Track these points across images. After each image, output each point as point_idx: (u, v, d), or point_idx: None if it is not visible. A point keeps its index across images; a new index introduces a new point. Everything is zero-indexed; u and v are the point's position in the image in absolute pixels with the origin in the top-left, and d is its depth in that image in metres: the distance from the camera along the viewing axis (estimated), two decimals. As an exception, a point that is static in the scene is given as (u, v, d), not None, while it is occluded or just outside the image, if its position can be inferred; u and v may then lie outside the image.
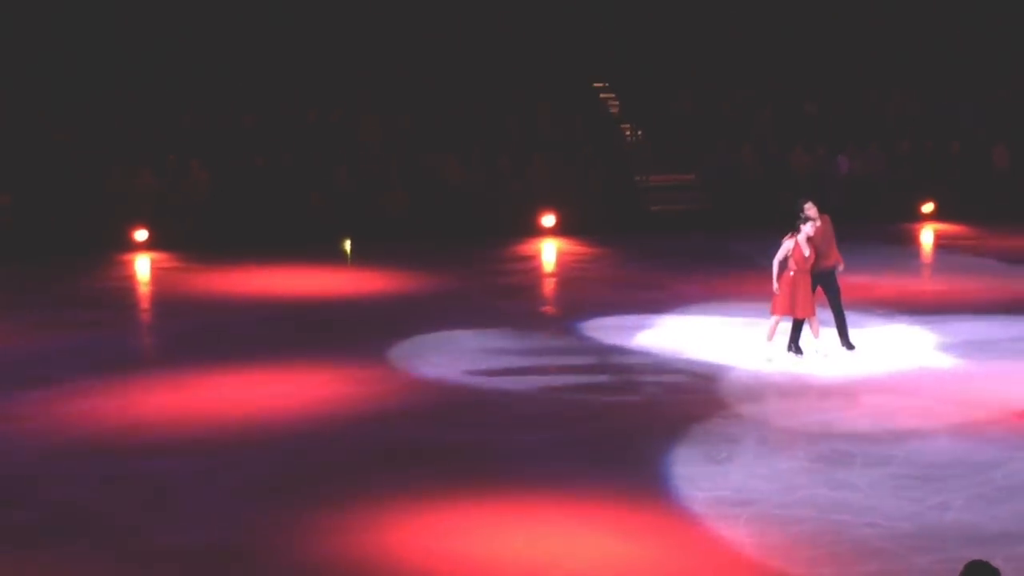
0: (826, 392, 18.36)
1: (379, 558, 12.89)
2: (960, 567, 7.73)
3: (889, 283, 25.33)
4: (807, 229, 19.16)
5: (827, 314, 20.06)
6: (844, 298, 20.18)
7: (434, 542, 13.21)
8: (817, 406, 17.69)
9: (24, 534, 13.67)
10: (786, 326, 19.61)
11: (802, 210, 19.28)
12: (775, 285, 19.32)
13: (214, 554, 13.06)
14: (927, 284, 27.34)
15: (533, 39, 38.43)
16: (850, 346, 19.96)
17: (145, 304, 26.95)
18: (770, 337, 19.54)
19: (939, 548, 12.72)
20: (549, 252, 30.83)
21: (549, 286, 27.98)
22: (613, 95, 38.95)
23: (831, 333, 20.01)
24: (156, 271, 29.18)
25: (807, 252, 19.17)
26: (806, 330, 19.60)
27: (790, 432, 16.56)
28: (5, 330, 22.84)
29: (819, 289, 19.72)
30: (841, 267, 20.07)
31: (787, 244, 19.22)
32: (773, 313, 19.45)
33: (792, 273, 19.19)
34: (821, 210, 19.49)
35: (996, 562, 7.79)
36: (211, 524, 13.81)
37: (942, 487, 14.37)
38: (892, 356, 20.02)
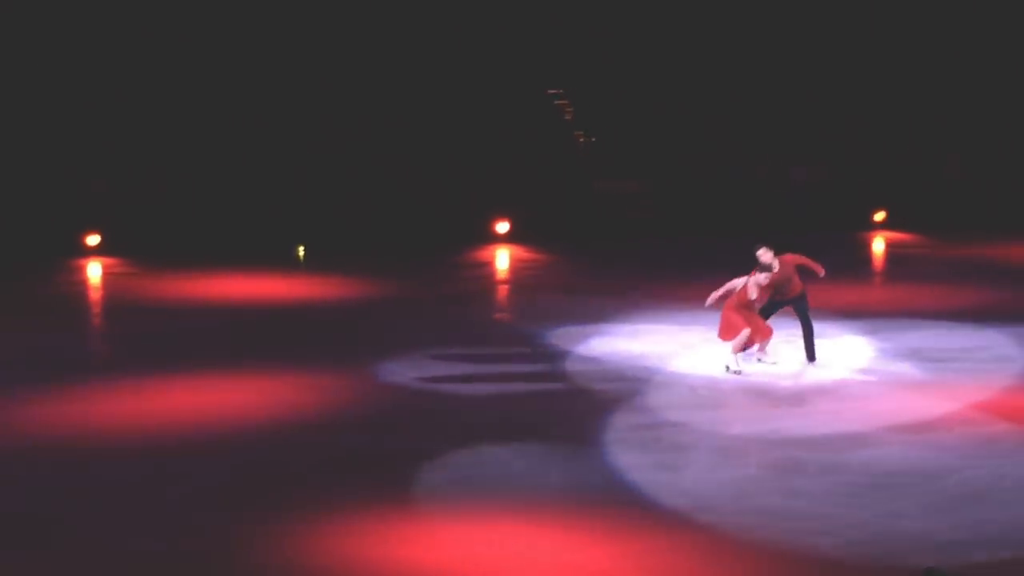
0: (779, 400, 18.41)
1: (339, 565, 12.89)
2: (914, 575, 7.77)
3: (842, 291, 25.38)
4: (760, 279, 19.28)
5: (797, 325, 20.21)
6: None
7: (393, 550, 13.19)
8: (770, 414, 17.73)
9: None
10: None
11: (757, 257, 19.40)
12: (710, 300, 19.55)
13: (168, 560, 13.01)
14: (878, 292, 27.46)
15: (488, 45, 38.41)
16: (813, 358, 20.03)
17: (97, 309, 26.83)
18: (737, 349, 19.55)
19: (892, 555, 12.76)
20: (502, 259, 30.81)
21: (502, 293, 27.97)
22: (567, 102, 38.97)
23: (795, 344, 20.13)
24: (108, 276, 29.04)
25: (753, 295, 19.33)
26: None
27: (743, 439, 16.59)
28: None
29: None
30: (821, 273, 20.16)
31: (736, 282, 19.37)
32: (727, 339, 19.49)
33: (735, 305, 19.36)
34: (778, 252, 19.59)
35: (950, 570, 7.82)
36: (165, 530, 13.76)
37: (895, 495, 14.42)
38: (844, 364, 20.07)
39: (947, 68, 38.66)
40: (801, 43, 39.24)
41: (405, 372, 19.79)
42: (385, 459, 15.98)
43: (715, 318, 19.86)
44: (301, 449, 16.40)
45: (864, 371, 19.79)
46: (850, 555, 12.85)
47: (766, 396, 18.57)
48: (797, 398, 18.46)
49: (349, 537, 13.51)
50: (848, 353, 20.73)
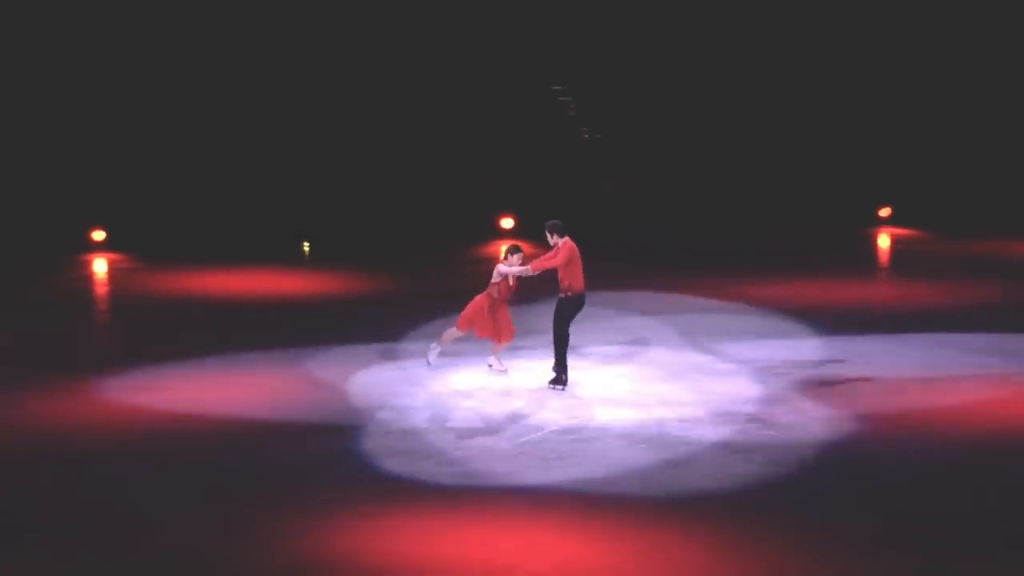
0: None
1: (340, 560, 12.97)
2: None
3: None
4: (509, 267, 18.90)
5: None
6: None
7: (393, 546, 13.26)
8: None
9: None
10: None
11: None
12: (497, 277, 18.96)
13: (175, 558, 13.10)
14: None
15: (494, 40, 38.41)
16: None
17: (102, 305, 26.89)
18: (444, 342, 19.39)
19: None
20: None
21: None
22: (570, 98, 39.00)
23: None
24: (113, 272, 29.10)
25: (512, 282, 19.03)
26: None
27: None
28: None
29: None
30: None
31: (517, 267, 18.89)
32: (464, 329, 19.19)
33: (495, 297, 19.02)
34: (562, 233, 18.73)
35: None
36: (167, 527, 13.84)
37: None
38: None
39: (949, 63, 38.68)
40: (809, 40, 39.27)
41: (407, 366, 19.83)
42: (389, 455, 16.06)
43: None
44: (305, 445, 16.47)
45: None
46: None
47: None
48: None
49: (353, 533, 13.59)
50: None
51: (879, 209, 33.90)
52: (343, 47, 36.78)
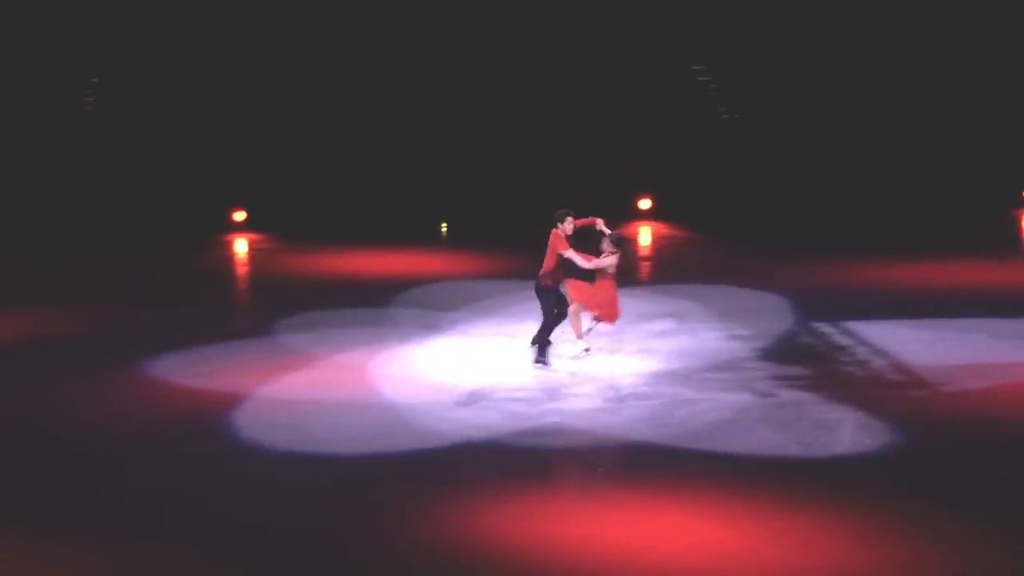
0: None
1: (478, 539, 12.98)
2: None
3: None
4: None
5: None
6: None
7: (531, 526, 13.25)
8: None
9: (111, 517, 13.77)
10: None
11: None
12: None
13: (304, 541, 13.16)
14: None
15: (632, 19, 38.28)
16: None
17: (243, 285, 27.20)
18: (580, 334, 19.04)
19: None
20: (645, 236, 30.76)
21: (643, 270, 27.89)
22: (710, 78, 38.76)
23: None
24: (254, 252, 29.41)
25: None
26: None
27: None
28: (104, 311, 23.09)
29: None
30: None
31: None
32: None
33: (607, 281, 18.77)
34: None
35: None
36: (303, 511, 13.93)
37: None
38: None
39: None
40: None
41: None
42: (532, 434, 16.08)
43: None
44: (435, 423, 16.50)
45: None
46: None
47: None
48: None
49: (489, 515, 13.60)
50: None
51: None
52: (483, 27, 36.83)
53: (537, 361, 18.85)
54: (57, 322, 22.25)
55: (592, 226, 19.08)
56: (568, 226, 18.81)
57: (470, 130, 35.46)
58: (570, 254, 18.64)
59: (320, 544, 12.98)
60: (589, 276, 18.73)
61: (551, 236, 18.77)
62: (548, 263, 18.77)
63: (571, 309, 18.73)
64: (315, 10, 36.60)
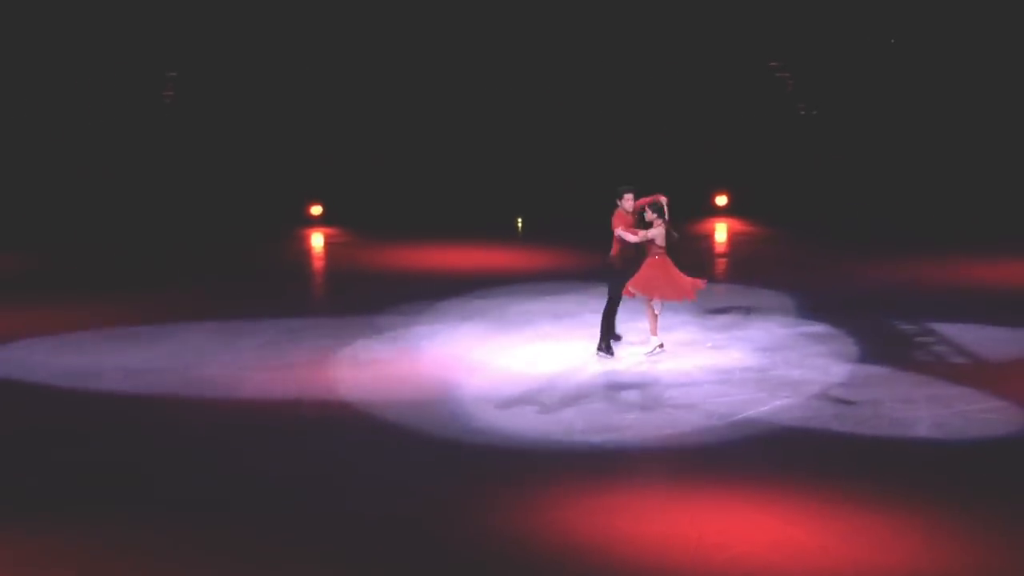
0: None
1: (555, 534, 13.05)
2: None
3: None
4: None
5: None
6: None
7: (605, 522, 13.30)
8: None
9: (199, 503, 14.01)
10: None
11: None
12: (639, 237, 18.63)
13: (385, 524, 13.32)
14: None
15: (709, 17, 38.19)
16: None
17: (319, 279, 27.37)
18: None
19: None
20: (721, 232, 30.69)
21: (721, 266, 27.82)
22: (788, 74, 38.59)
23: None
24: (329, 246, 29.57)
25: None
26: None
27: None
28: (182, 302, 23.30)
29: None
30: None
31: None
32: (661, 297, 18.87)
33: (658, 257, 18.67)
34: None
35: None
36: (382, 497, 14.07)
37: None
38: None
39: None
40: None
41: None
42: (608, 431, 16.10)
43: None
44: (516, 420, 16.55)
45: None
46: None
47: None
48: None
49: (566, 509, 13.66)
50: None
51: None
52: (563, 27, 36.86)
53: (600, 350, 18.86)
54: (147, 311, 22.47)
55: (656, 203, 18.88)
56: (628, 203, 18.73)
57: (550, 127, 35.46)
58: (620, 231, 18.57)
59: (403, 532, 13.16)
60: (640, 258, 18.63)
61: (613, 216, 18.73)
62: (615, 244, 18.74)
63: (646, 306, 18.73)
64: (397, 8, 36.72)
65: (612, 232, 18.80)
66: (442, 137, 35.30)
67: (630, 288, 18.59)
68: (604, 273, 19.12)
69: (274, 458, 15.32)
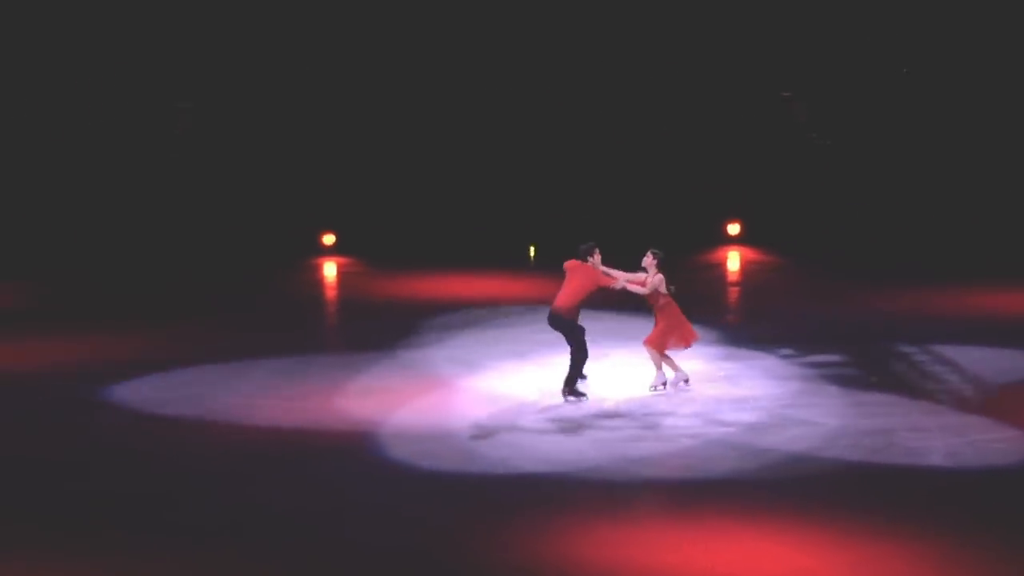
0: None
1: (567, 565, 13.00)
2: None
3: None
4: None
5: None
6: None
7: (619, 553, 13.25)
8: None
9: (202, 532, 13.97)
10: None
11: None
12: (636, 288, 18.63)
13: (394, 555, 13.27)
14: None
15: (719, 45, 38.20)
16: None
17: (332, 308, 27.39)
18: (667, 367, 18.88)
19: None
20: (733, 261, 30.67)
21: (733, 295, 27.81)
22: (802, 103, 38.56)
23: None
24: (342, 275, 29.59)
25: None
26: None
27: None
28: (193, 335, 23.28)
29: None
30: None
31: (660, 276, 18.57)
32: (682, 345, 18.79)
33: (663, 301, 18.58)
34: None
35: None
36: (391, 527, 14.02)
37: None
38: None
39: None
40: None
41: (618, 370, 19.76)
42: (612, 461, 16.06)
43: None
44: (527, 451, 16.52)
45: None
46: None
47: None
48: None
49: (576, 537, 13.62)
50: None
51: None
52: (584, 55, 36.87)
53: (571, 395, 18.53)
54: (166, 345, 22.42)
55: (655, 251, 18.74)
56: (597, 258, 18.66)
57: (561, 155, 35.46)
58: (622, 283, 18.49)
59: (413, 563, 13.11)
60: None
61: (577, 269, 18.69)
62: (576, 295, 18.56)
63: (655, 354, 18.67)
64: (409, 37, 36.76)
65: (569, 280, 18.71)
66: (456, 166, 35.31)
67: (647, 347, 18.62)
68: (558, 322, 18.75)
69: (282, 487, 15.28)
